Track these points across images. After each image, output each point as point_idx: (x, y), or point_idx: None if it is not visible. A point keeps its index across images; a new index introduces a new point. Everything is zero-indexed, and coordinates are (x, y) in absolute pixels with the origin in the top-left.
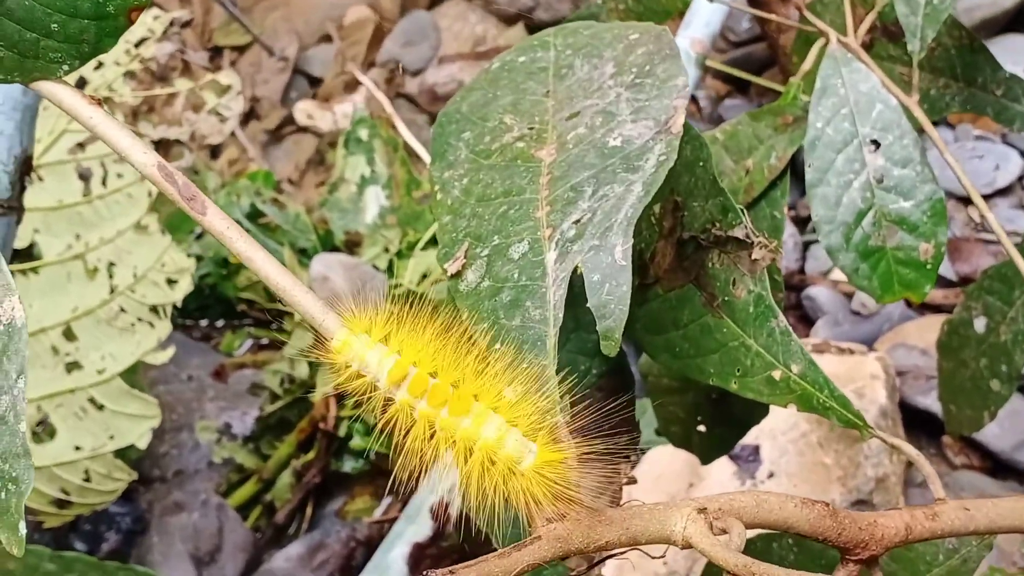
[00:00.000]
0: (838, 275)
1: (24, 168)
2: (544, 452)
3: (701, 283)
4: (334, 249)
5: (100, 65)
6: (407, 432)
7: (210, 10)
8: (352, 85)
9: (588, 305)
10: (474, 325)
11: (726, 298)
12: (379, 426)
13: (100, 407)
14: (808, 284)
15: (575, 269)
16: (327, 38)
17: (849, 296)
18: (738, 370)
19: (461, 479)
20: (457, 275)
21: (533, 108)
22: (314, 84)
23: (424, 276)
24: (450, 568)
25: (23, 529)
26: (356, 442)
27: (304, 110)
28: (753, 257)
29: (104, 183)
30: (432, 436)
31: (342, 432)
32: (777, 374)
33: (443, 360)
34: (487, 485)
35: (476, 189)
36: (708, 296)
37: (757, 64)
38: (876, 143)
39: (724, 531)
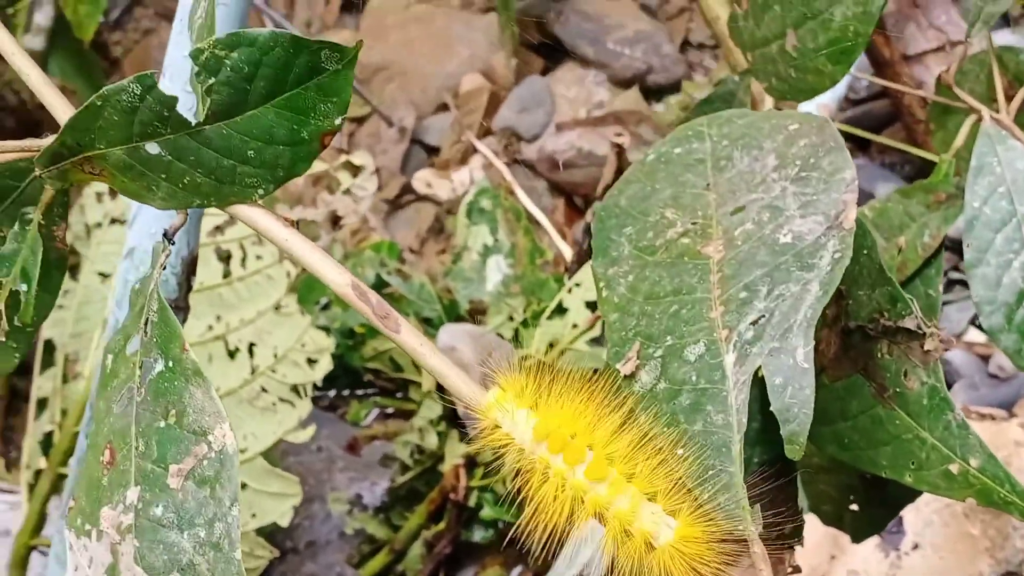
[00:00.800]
0: (973, 336)
1: (190, 269)
2: (685, 528)
3: (870, 373)
4: (458, 318)
5: None
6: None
7: None
8: (468, 153)
9: (772, 409)
10: (652, 428)
11: (897, 389)
12: (514, 486)
13: (243, 486)
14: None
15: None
16: (443, 107)
17: (985, 359)
18: (912, 463)
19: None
20: (631, 376)
21: (695, 202)
22: (431, 153)
23: (551, 345)
24: None
25: None
26: (486, 512)
27: (423, 179)
28: (925, 348)
29: (244, 265)
30: (566, 501)
31: (472, 502)
32: (955, 468)
33: (586, 426)
34: (623, 557)
35: (643, 287)
36: (878, 387)
37: (877, 121)
38: None
39: None
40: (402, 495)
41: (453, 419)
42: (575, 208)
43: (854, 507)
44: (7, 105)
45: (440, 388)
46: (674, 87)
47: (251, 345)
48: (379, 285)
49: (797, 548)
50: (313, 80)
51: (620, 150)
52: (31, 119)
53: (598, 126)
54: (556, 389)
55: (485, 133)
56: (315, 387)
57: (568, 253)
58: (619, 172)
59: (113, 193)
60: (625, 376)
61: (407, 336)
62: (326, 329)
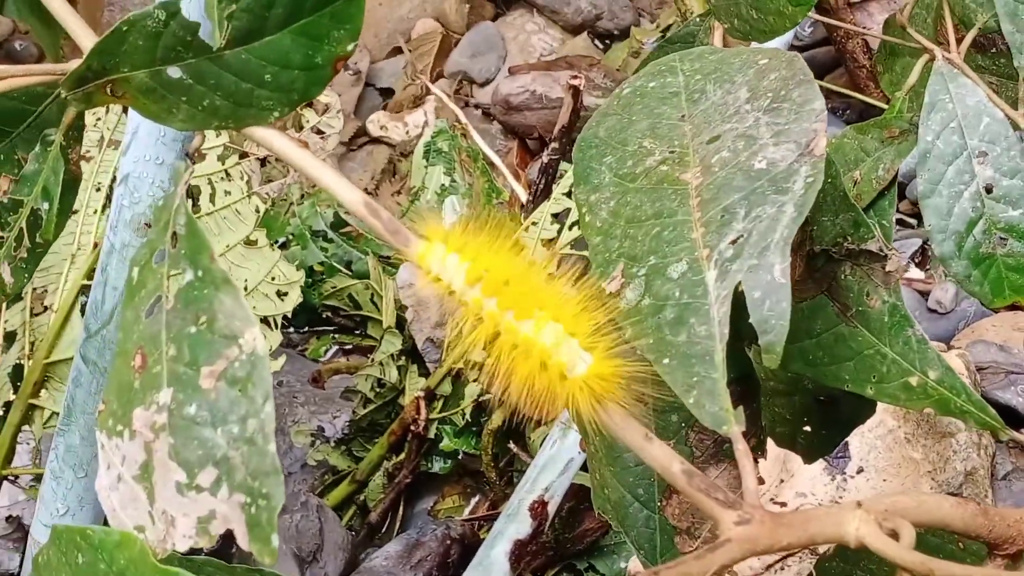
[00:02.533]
0: (913, 274)
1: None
2: (599, 364)
3: (833, 294)
4: None
5: None
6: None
7: None
8: (421, 97)
9: (751, 320)
10: (637, 340)
11: (860, 308)
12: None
13: None
14: None
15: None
16: (397, 51)
17: (925, 295)
18: (874, 377)
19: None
20: (615, 294)
21: (671, 132)
22: (385, 96)
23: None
24: (654, 569)
25: (275, 541)
26: (445, 443)
27: (377, 121)
28: (887, 269)
29: (212, 201)
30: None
31: (431, 434)
32: (914, 380)
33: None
34: (537, 387)
35: (625, 211)
36: (841, 307)
37: (820, 68)
38: (984, 154)
39: (893, 532)
40: (363, 427)
41: (413, 354)
42: (528, 150)
43: (807, 428)
44: (31, 55)
45: (399, 325)
46: (623, 33)
47: None
48: (338, 224)
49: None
50: (328, 7)
51: (576, 91)
52: None
53: (551, 70)
54: (484, 238)
55: (438, 77)
56: (284, 319)
57: (523, 193)
58: (575, 112)
59: None
60: (610, 295)
61: (415, 249)
62: None
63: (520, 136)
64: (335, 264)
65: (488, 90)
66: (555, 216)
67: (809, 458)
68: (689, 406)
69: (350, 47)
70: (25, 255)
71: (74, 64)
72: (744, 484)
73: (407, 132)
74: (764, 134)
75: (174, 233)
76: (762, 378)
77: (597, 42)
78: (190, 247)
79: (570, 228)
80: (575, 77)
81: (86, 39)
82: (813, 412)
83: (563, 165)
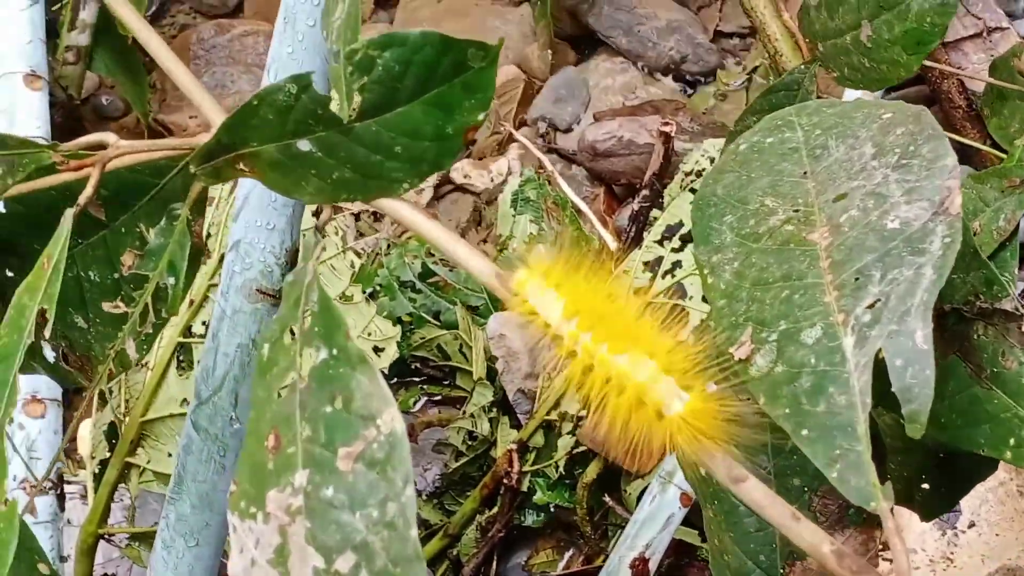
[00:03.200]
0: None
1: (292, 260)
2: (696, 402)
3: (966, 355)
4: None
5: None
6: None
7: None
8: (505, 144)
9: (893, 389)
10: (770, 409)
11: (995, 369)
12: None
13: None
14: None
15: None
16: None
17: None
18: (1012, 440)
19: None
20: (745, 360)
21: (794, 190)
22: (468, 144)
23: None
24: None
25: None
26: (539, 496)
27: (460, 169)
28: (1023, 329)
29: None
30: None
31: (524, 487)
32: None
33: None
34: (633, 426)
35: (750, 273)
36: (975, 368)
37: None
38: None
39: None
40: (455, 480)
41: (504, 405)
42: (615, 196)
43: (925, 486)
44: (55, 101)
45: (489, 376)
46: (708, 75)
47: None
48: (426, 274)
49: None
50: (459, 77)
51: (667, 137)
52: (77, 115)
53: (636, 115)
54: (581, 276)
55: (521, 124)
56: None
57: (611, 241)
58: (666, 159)
59: None
60: (740, 360)
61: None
62: None
63: (606, 182)
64: (423, 315)
65: (572, 136)
66: (647, 264)
67: (927, 516)
68: (832, 480)
69: (481, 116)
70: (150, 329)
71: (202, 139)
72: (896, 564)
73: (491, 180)
74: (894, 192)
75: (305, 311)
76: (880, 436)
77: (682, 85)
78: (325, 325)
79: (663, 277)
80: (666, 123)
81: (214, 114)
82: (932, 471)
83: (654, 212)
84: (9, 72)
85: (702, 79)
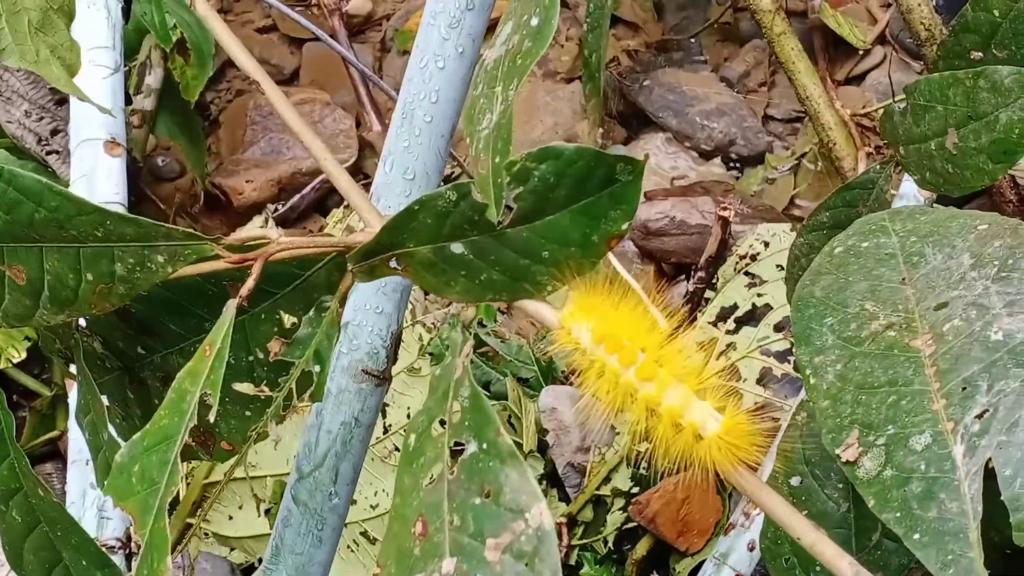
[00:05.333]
0: None
1: (397, 343)
2: (730, 421)
3: None
4: (556, 380)
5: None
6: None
7: None
8: None
9: (1002, 498)
10: (880, 512)
11: None
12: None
13: (373, 540)
14: None
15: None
16: None
17: None
18: None
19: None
20: (852, 462)
21: (893, 296)
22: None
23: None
24: None
25: None
26: (586, 570)
27: None
28: None
29: None
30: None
31: (572, 560)
32: None
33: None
34: (673, 450)
35: (854, 376)
36: None
37: (963, 196)
38: None
39: None
40: None
41: (553, 478)
42: (663, 274)
43: None
44: (172, 171)
45: (540, 448)
46: (757, 159)
47: (384, 405)
48: (478, 344)
49: None
50: (607, 189)
51: (725, 222)
52: (135, 175)
53: (687, 195)
54: (620, 304)
55: None
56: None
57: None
58: (723, 243)
59: None
60: (846, 462)
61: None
62: None
63: (656, 260)
64: None
65: None
66: (700, 344)
67: None
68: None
69: (625, 226)
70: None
71: (359, 238)
72: None
73: None
74: (996, 303)
75: (454, 404)
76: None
77: (730, 167)
78: (475, 420)
79: (717, 358)
80: (725, 208)
81: (373, 217)
82: (998, 564)
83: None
84: (91, 139)
85: (751, 162)
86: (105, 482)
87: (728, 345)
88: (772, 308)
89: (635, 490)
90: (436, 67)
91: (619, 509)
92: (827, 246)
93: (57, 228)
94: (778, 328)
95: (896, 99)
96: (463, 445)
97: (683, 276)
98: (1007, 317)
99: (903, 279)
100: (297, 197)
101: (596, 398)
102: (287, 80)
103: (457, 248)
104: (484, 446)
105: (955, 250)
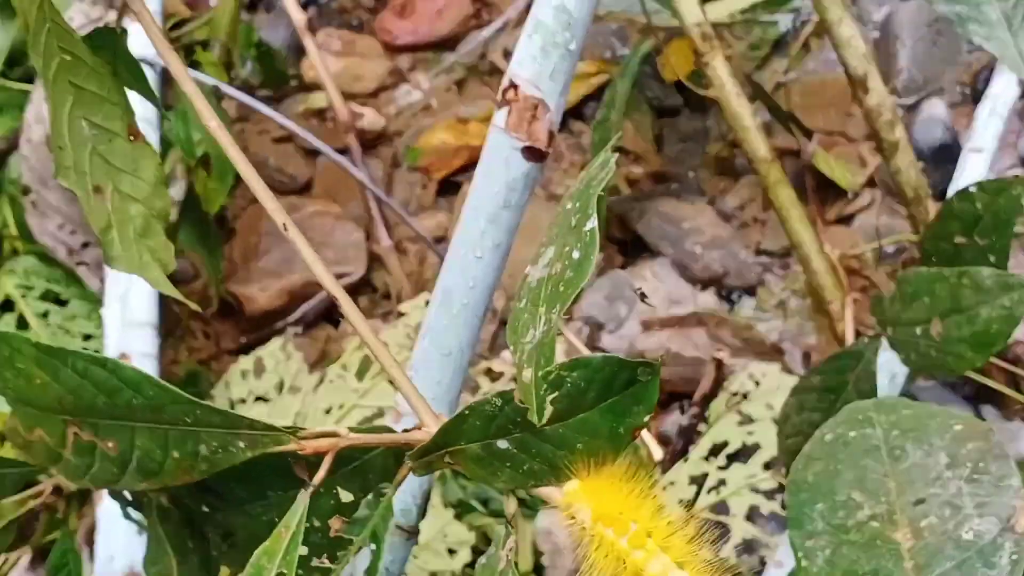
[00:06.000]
0: None
1: (427, 498)
2: None
3: None
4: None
5: None
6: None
7: (424, 260)
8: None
9: None
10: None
11: None
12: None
13: None
14: None
15: None
16: None
17: None
18: None
19: None
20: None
21: (877, 488)
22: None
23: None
24: None
25: None
26: None
27: (505, 359)
28: None
29: None
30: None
31: None
32: None
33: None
34: None
35: (842, 563)
36: None
37: None
38: None
39: None
40: None
41: None
42: (659, 403)
43: None
44: (187, 273)
45: (537, 569)
46: (749, 290)
47: None
48: None
49: None
50: (629, 389)
51: (719, 364)
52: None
53: (682, 326)
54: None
55: (568, 320)
56: (454, 575)
57: (655, 448)
58: (717, 383)
59: (258, 372)
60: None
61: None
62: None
63: None
64: (472, 501)
65: (615, 336)
66: (693, 478)
67: None
68: None
69: (646, 419)
70: None
71: (417, 436)
72: None
73: None
74: (967, 504)
75: None
76: None
77: (724, 298)
78: None
79: (708, 492)
80: (719, 350)
81: (430, 419)
82: None
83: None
84: None
85: (743, 293)
86: None
87: (719, 481)
88: (761, 447)
89: None
90: (474, 257)
91: None
92: (818, 431)
93: (152, 412)
94: (767, 466)
95: (883, 242)
96: None
97: (676, 405)
98: (977, 518)
99: (886, 472)
100: (307, 306)
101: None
102: (300, 190)
103: (503, 444)
104: None
105: (933, 448)
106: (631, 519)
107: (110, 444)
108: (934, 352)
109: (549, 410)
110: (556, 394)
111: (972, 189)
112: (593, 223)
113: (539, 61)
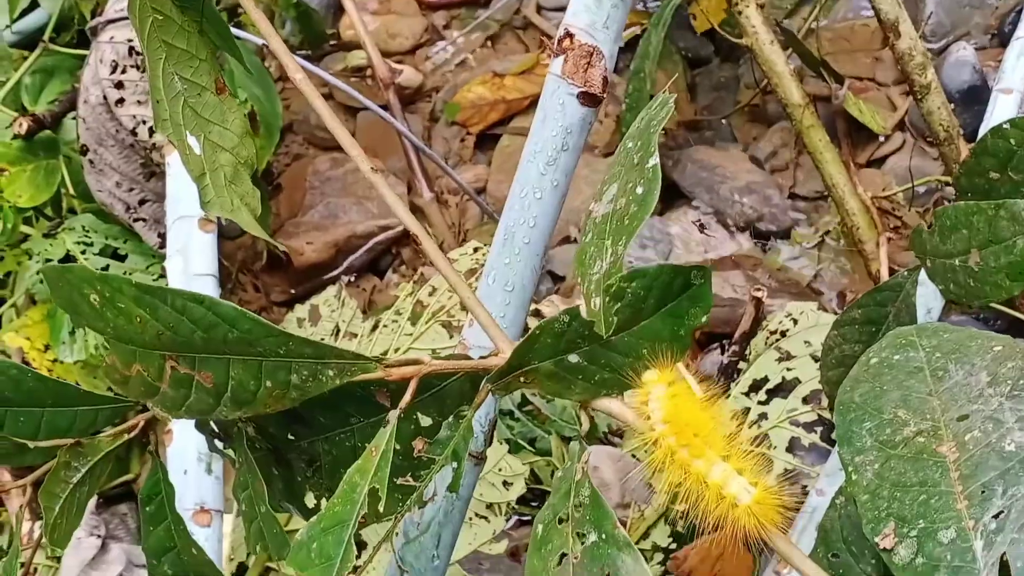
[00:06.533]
0: None
1: (493, 427)
2: (760, 494)
3: None
4: (598, 440)
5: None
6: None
7: (465, 211)
8: None
9: None
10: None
11: None
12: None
13: None
14: None
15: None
16: (568, 239)
17: None
18: None
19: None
20: (889, 549)
21: (922, 406)
22: (557, 280)
23: None
24: None
25: None
26: None
27: (552, 303)
28: None
29: None
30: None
31: None
32: None
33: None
34: (715, 514)
35: (890, 476)
36: None
37: None
38: None
39: None
40: None
41: None
42: (697, 343)
43: None
44: (234, 228)
45: None
46: (783, 234)
47: None
48: (523, 403)
49: None
50: (685, 292)
51: (759, 303)
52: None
53: (719, 269)
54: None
55: None
56: (509, 505)
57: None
58: (756, 321)
59: (314, 320)
60: (883, 549)
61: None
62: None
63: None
64: (520, 441)
65: None
66: (733, 414)
67: None
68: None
69: (704, 319)
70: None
71: (494, 362)
72: None
73: None
74: (1009, 418)
75: (577, 502)
76: None
77: (758, 241)
78: (595, 515)
79: (749, 427)
80: (758, 289)
81: (504, 344)
82: None
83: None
84: (186, 216)
85: (777, 237)
86: (286, 553)
87: (760, 415)
88: (800, 382)
89: (672, 546)
90: (535, 197)
91: (658, 563)
92: (864, 355)
93: (247, 345)
94: (806, 400)
95: (915, 183)
96: (584, 536)
97: (715, 345)
98: (1019, 431)
99: (930, 391)
100: (352, 258)
101: (654, 467)
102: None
103: (573, 358)
104: (603, 536)
105: (974, 368)
106: (695, 429)
107: (207, 376)
108: (972, 282)
109: (614, 321)
110: (618, 305)
111: (1005, 126)
112: (655, 159)
113: (593, 10)
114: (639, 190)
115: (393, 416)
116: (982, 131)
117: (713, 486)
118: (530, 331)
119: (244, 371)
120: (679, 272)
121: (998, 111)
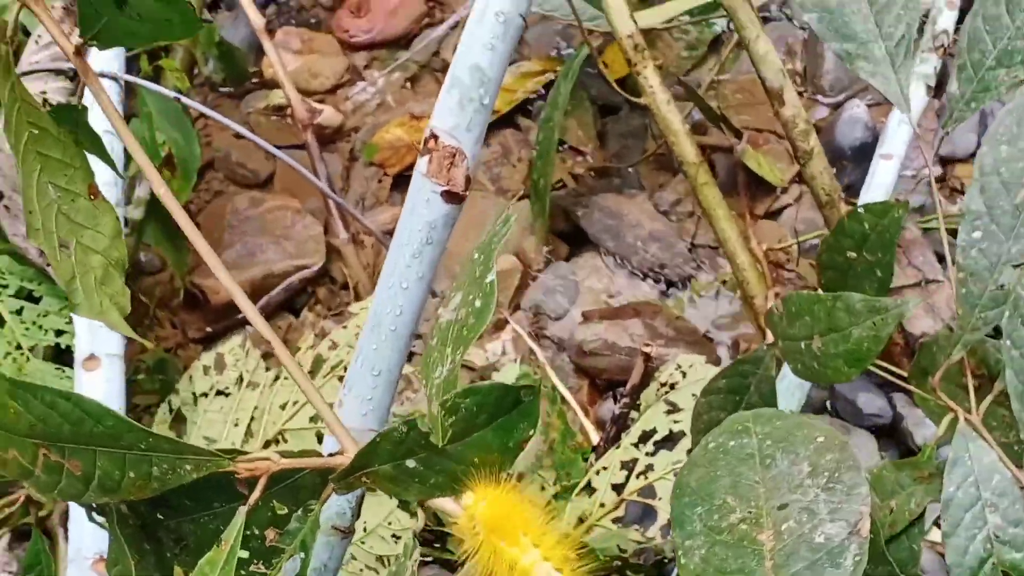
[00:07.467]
0: (934, 536)
1: (359, 503)
2: None
3: None
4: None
5: None
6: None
7: (380, 252)
8: (501, 326)
9: None
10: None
11: None
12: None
13: None
14: None
15: None
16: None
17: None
18: None
19: None
20: None
21: (749, 492)
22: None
23: (581, 520)
24: None
25: None
26: None
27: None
28: None
29: None
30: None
31: None
32: None
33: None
34: None
35: (714, 561)
36: None
37: None
38: (994, 506)
39: None
40: None
41: None
42: (597, 389)
43: None
44: (154, 266)
45: None
46: (684, 282)
47: None
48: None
49: None
50: (515, 409)
51: (648, 358)
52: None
53: (620, 317)
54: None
55: (515, 309)
56: (396, 558)
57: (591, 430)
58: (646, 375)
59: (219, 368)
60: None
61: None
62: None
63: (590, 376)
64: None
65: (561, 324)
66: (624, 463)
67: None
68: None
69: (531, 433)
70: None
71: (339, 460)
72: None
73: (487, 358)
74: (822, 510)
75: None
76: None
77: (660, 289)
78: None
79: (637, 477)
80: (647, 345)
81: (349, 444)
82: None
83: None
84: None
85: (678, 285)
86: None
87: (647, 466)
88: (686, 435)
89: None
90: (401, 287)
91: None
92: (704, 439)
93: (111, 439)
94: (689, 453)
95: (800, 238)
96: None
97: (612, 393)
98: (829, 523)
99: (758, 479)
100: (268, 296)
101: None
102: (261, 184)
103: (411, 463)
104: None
105: (798, 457)
106: (521, 530)
107: (75, 465)
108: (816, 364)
109: (448, 432)
110: (454, 418)
111: (860, 210)
112: (492, 276)
113: (456, 113)
114: (477, 303)
115: (242, 512)
116: (862, 196)
117: (521, 571)
118: (372, 438)
119: (109, 462)
120: (509, 391)
121: (878, 176)
